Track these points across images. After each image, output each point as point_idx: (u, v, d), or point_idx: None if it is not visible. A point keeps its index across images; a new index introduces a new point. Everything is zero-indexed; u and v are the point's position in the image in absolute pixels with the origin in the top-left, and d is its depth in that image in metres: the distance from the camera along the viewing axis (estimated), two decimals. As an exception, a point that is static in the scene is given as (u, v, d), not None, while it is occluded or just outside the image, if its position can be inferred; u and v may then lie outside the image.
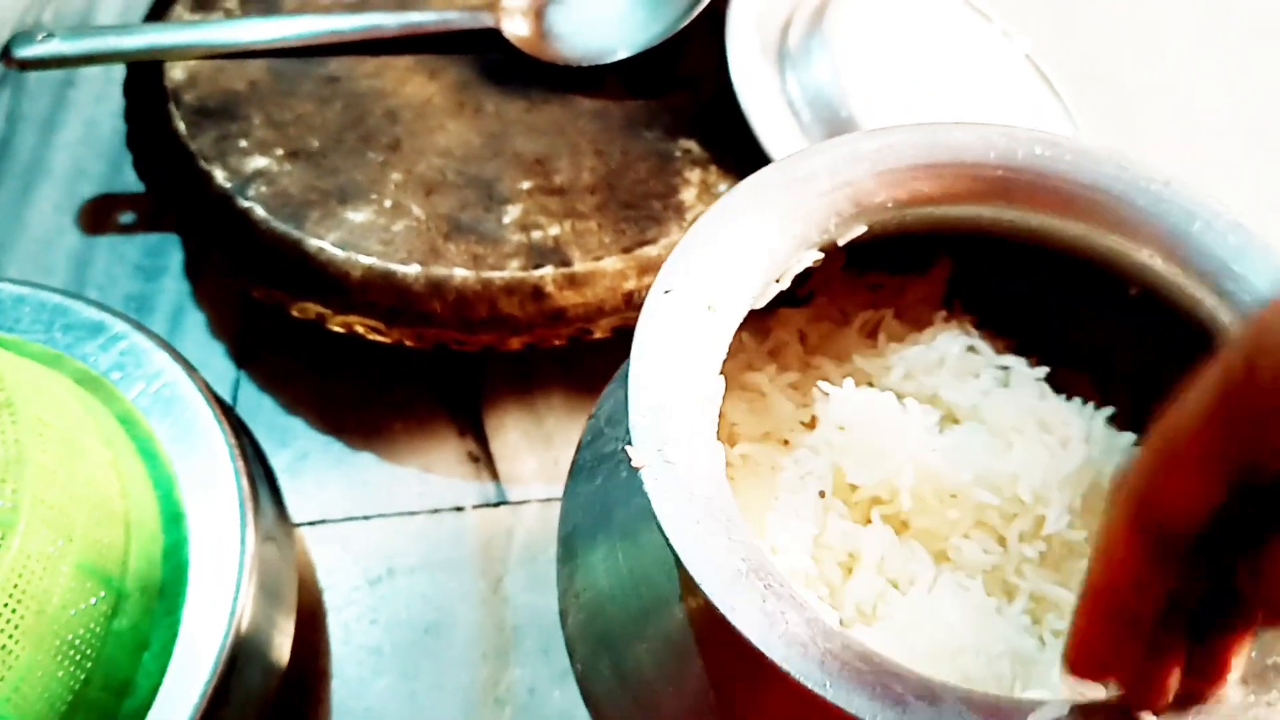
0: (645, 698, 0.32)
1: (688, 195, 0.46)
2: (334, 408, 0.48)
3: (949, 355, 0.36)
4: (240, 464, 0.39)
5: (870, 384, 0.36)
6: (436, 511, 0.45)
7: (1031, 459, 0.33)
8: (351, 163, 0.47)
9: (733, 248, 0.32)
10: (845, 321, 0.38)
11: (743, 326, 0.32)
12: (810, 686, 0.25)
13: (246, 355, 0.49)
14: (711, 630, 0.30)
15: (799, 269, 0.33)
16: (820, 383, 0.35)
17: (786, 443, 0.36)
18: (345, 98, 0.49)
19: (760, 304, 0.33)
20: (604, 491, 0.35)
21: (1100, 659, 0.24)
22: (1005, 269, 0.36)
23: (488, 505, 0.46)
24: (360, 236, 0.44)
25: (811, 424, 0.36)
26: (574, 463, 0.38)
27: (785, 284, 0.33)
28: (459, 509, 0.46)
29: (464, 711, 0.41)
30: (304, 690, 0.41)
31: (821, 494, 0.34)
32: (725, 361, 0.31)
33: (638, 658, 0.32)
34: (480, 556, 0.44)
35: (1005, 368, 0.36)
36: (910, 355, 0.36)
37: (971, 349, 0.36)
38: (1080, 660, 0.25)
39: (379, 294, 0.44)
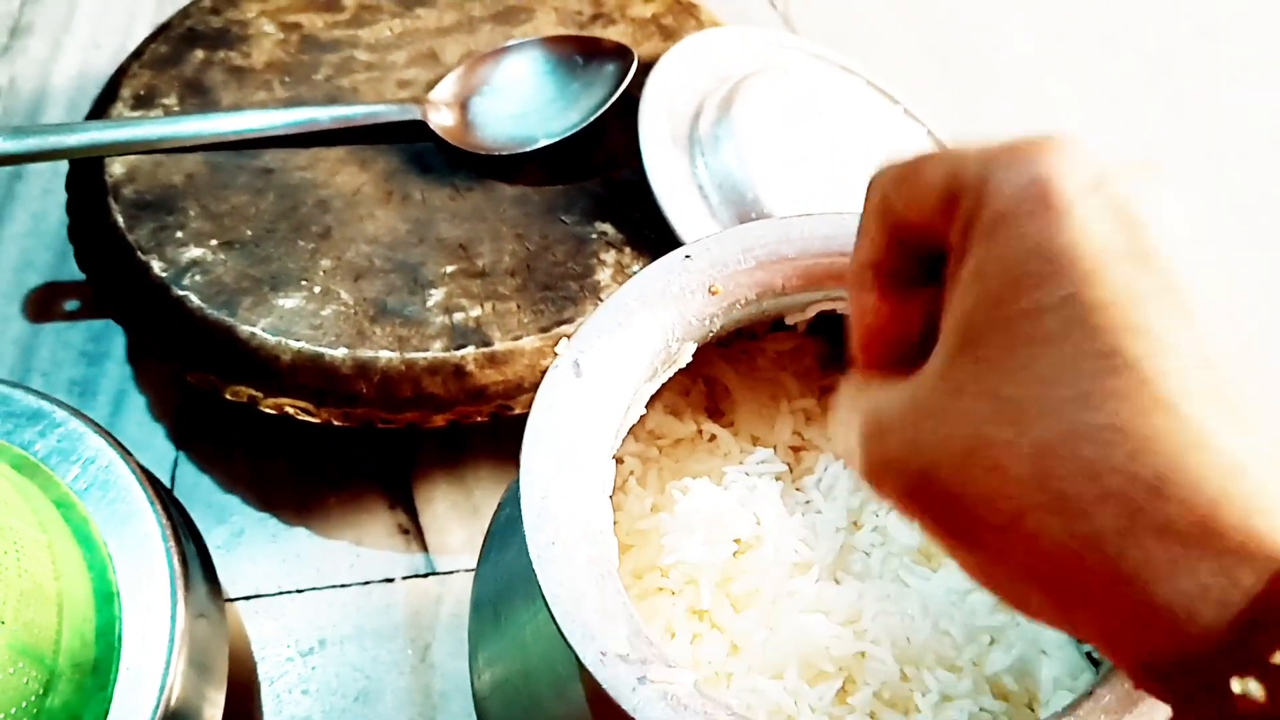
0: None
1: (603, 276, 0.49)
2: (269, 485, 0.50)
3: None
4: (172, 544, 0.41)
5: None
6: (367, 583, 0.47)
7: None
8: (283, 251, 0.49)
9: (626, 335, 0.35)
10: None
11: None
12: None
13: (185, 436, 0.51)
14: (602, 705, 0.33)
15: (684, 360, 0.36)
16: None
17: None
18: (279, 189, 0.51)
19: (654, 386, 0.36)
20: (515, 562, 0.37)
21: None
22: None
23: (417, 576, 0.48)
24: (290, 322, 0.46)
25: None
26: (488, 533, 0.40)
27: (672, 371, 0.36)
28: (389, 580, 0.47)
29: (391, 776, 0.42)
30: (236, 761, 0.42)
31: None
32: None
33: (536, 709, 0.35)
34: (409, 625, 0.46)
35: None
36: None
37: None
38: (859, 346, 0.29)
39: (308, 376, 0.46)
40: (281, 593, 0.47)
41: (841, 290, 0.37)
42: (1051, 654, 0.36)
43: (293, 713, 0.44)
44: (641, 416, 0.38)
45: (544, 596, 0.29)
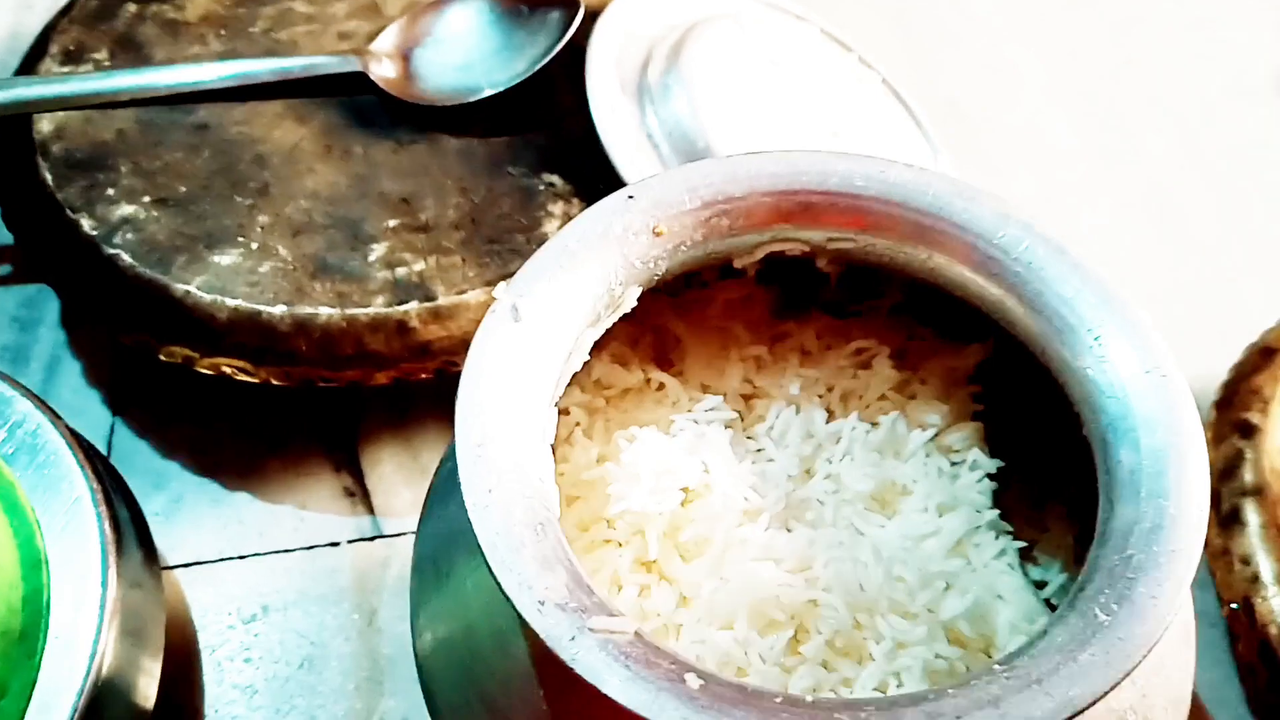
0: (486, 697, 0.33)
1: (550, 227, 0.48)
2: (209, 449, 0.48)
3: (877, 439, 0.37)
4: (104, 509, 0.39)
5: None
6: (312, 548, 0.46)
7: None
8: (219, 208, 0.47)
9: (568, 279, 0.34)
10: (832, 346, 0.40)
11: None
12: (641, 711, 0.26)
13: (122, 402, 0.49)
14: (546, 660, 0.31)
15: (629, 304, 0.35)
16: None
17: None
18: (214, 145, 0.50)
19: (597, 332, 0.35)
20: (456, 517, 0.36)
21: None
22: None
23: (363, 539, 0.46)
24: (227, 279, 0.45)
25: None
26: (430, 489, 0.39)
27: (616, 316, 0.35)
28: (334, 544, 0.46)
29: (337, 743, 0.41)
30: (175, 732, 0.41)
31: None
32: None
33: (486, 684, 0.33)
34: (355, 590, 0.45)
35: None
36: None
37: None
38: None
39: (245, 335, 0.44)
40: (223, 559, 0.45)
41: (790, 230, 0.36)
42: (1008, 599, 0.35)
43: (235, 681, 0.43)
44: (587, 365, 0.37)
45: (480, 546, 0.28)
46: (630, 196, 0.35)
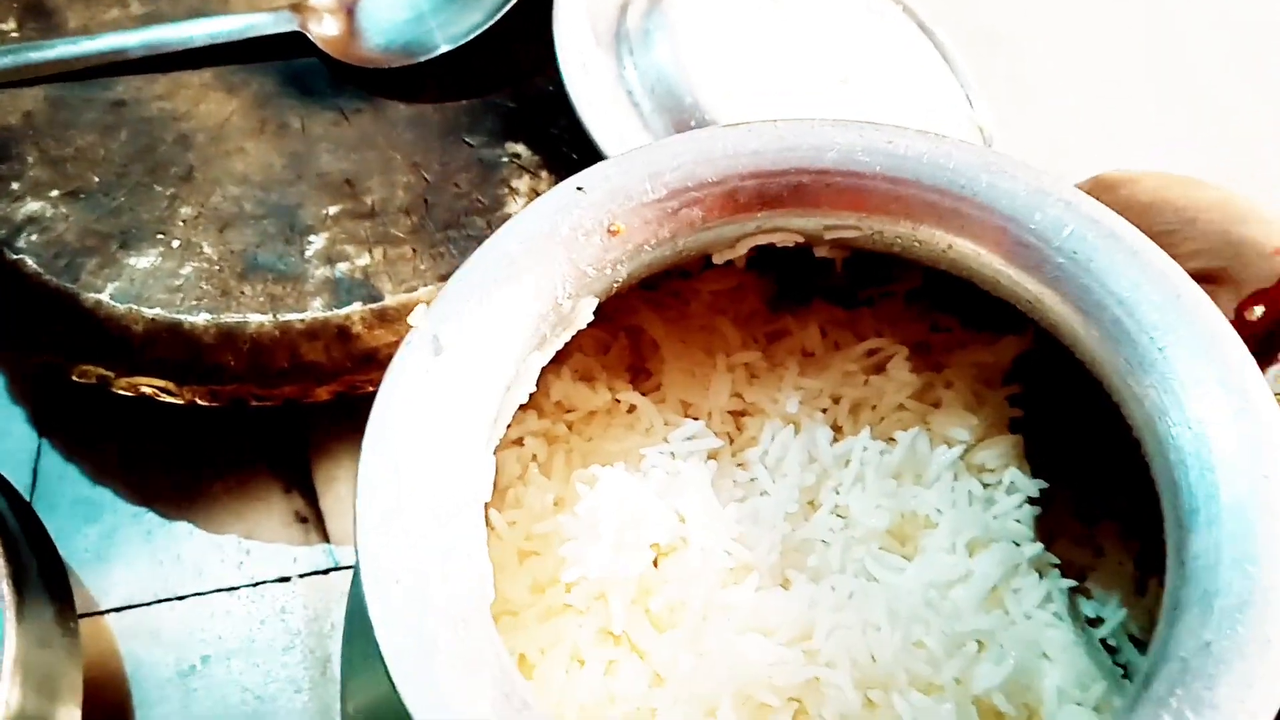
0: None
1: (515, 207, 0.41)
2: (145, 473, 0.43)
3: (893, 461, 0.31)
4: (2, 565, 0.34)
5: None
6: (258, 584, 0.41)
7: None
8: (137, 200, 0.41)
9: (503, 295, 0.27)
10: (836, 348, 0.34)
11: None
12: None
13: (49, 421, 0.44)
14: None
15: (582, 320, 0.28)
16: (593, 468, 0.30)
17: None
18: (132, 125, 0.44)
19: (545, 357, 0.28)
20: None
21: None
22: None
23: (317, 572, 0.41)
24: (144, 285, 0.39)
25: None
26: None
27: (568, 335, 0.28)
28: (284, 579, 0.41)
29: (286, 816, 0.36)
30: (102, 807, 0.36)
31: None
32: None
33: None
34: (308, 634, 0.40)
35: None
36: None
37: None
38: None
39: (166, 349, 0.39)
40: (159, 601, 0.40)
41: (779, 219, 0.29)
42: (1055, 658, 0.29)
43: (172, 745, 0.37)
44: (545, 385, 0.31)
45: (380, 652, 0.22)
46: (579, 188, 0.28)
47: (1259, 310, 0.30)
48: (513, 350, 0.27)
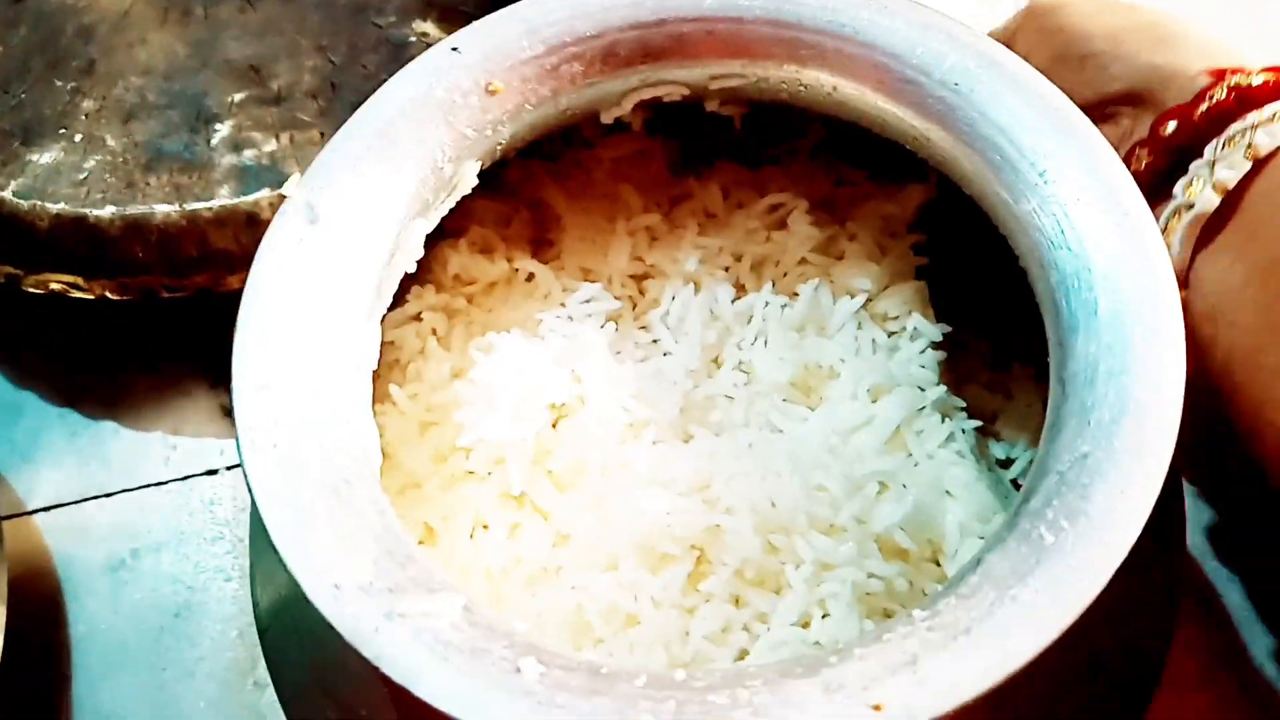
0: (325, 678, 0.28)
1: (423, 87, 0.41)
2: (68, 373, 0.43)
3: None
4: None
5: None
6: (187, 478, 0.41)
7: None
8: (38, 94, 0.41)
9: (380, 162, 0.27)
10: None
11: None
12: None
13: (-34, 326, 0.44)
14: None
15: (466, 185, 0.28)
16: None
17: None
18: (32, 17, 0.43)
19: (429, 223, 0.28)
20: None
21: None
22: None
23: (244, 463, 0.41)
24: (47, 181, 0.39)
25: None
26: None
27: (452, 201, 0.28)
28: (212, 472, 0.41)
29: (219, 697, 0.37)
30: (33, 696, 0.37)
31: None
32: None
33: (324, 667, 0.28)
34: (235, 523, 0.40)
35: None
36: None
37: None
38: None
39: (72, 244, 0.38)
40: (86, 499, 0.40)
41: (662, 71, 0.29)
42: (958, 495, 0.29)
43: (104, 637, 0.38)
44: (442, 259, 0.31)
45: (259, 518, 0.22)
46: (454, 49, 0.28)
47: (1171, 125, 0.30)
48: (393, 217, 0.27)
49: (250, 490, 0.23)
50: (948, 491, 0.29)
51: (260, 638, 0.30)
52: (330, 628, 0.25)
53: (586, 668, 0.21)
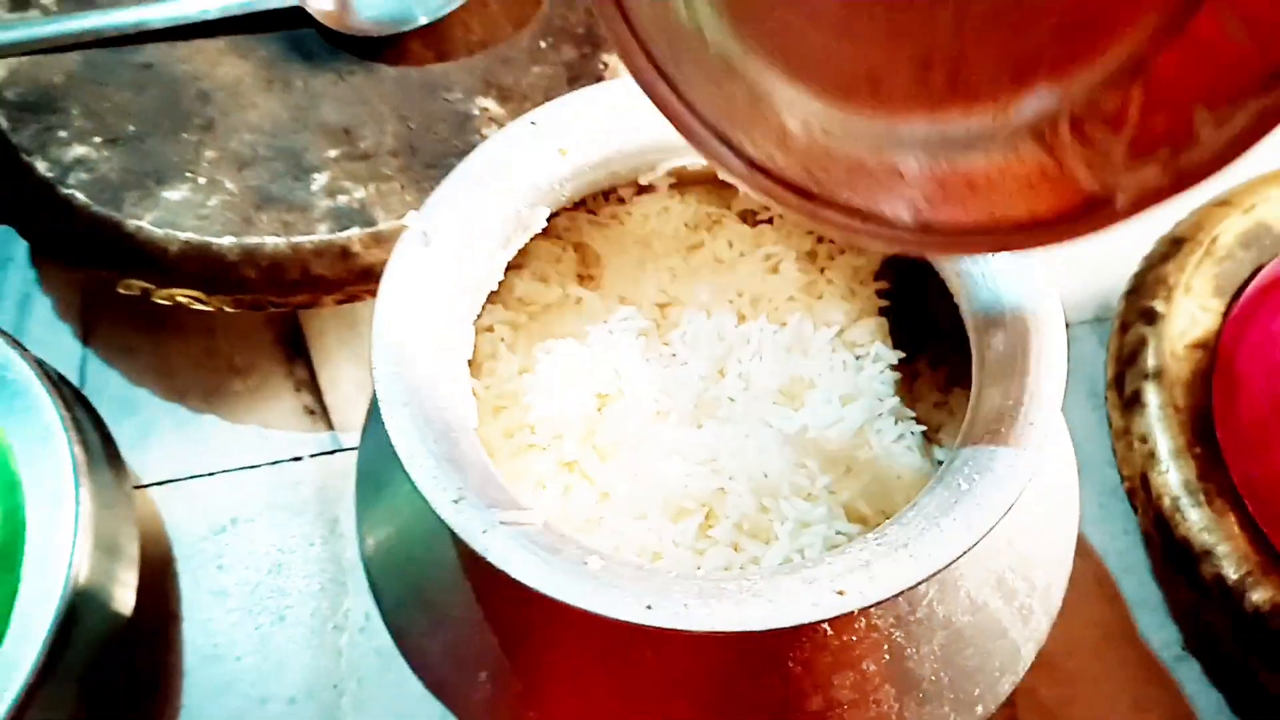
0: (434, 614, 0.36)
1: (485, 151, 0.50)
2: (176, 376, 0.51)
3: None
4: (73, 434, 0.42)
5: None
6: (276, 463, 0.49)
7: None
8: (167, 145, 0.49)
9: (476, 204, 0.36)
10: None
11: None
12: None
13: (91, 334, 0.52)
14: (470, 556, 0.34)
15: (537, 225, 0.37)
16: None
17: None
18: (160, 83, 0.52)
19: (509, 253, 0.37)
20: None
21: None
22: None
23: (324, 453, 0.49)
24: (177, 214, 0.47)
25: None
26: (370, 407, 0.41)
27: (527, 236, 0.37)
28: (297, 459, 0.49)
29: (305, 639, 0.45)
30: (155, 633, 0.45)
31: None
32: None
33: (422, 581, 0.36)
34: (317, 500, 0.48)
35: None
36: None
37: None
38: None
39: (197, 266, 0.47)
40: (192, 476, 0.49)
41: (690, 148, 0.38)
42: (906, 477, 0.38)
43: (209, 588, 0.46)
44: (509, 284, 0.40)
45: (397, 454, 0.31)
46: (533, 122, 0.37)
47: None
48: (484, 247, 0.36)
49: (390, 436, 0.31)
50: (898, 475, 0.38)
51: (366, 569, 0.38)
52: (432, 547, 0.33)
53: (634, 564, 0.30)
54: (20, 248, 0.55)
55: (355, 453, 0.48)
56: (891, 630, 0.32)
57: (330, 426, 0.50)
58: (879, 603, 0.28)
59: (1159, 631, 0.46)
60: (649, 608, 0.28)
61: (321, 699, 0.44)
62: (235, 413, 0.50)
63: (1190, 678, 0.45)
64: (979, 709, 0.34)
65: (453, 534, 0.34)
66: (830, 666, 0.32)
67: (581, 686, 0.33)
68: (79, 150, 0.49)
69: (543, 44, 0.54)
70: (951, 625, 0.33)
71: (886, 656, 0.32)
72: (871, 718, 0.32)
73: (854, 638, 0.32)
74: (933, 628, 0.33)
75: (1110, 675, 0.45)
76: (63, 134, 0.49)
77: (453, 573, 0.35)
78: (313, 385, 0.51)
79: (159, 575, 0.46)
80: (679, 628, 0.28)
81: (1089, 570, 0.46)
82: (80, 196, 0.48)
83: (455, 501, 0.30)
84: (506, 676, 0.34)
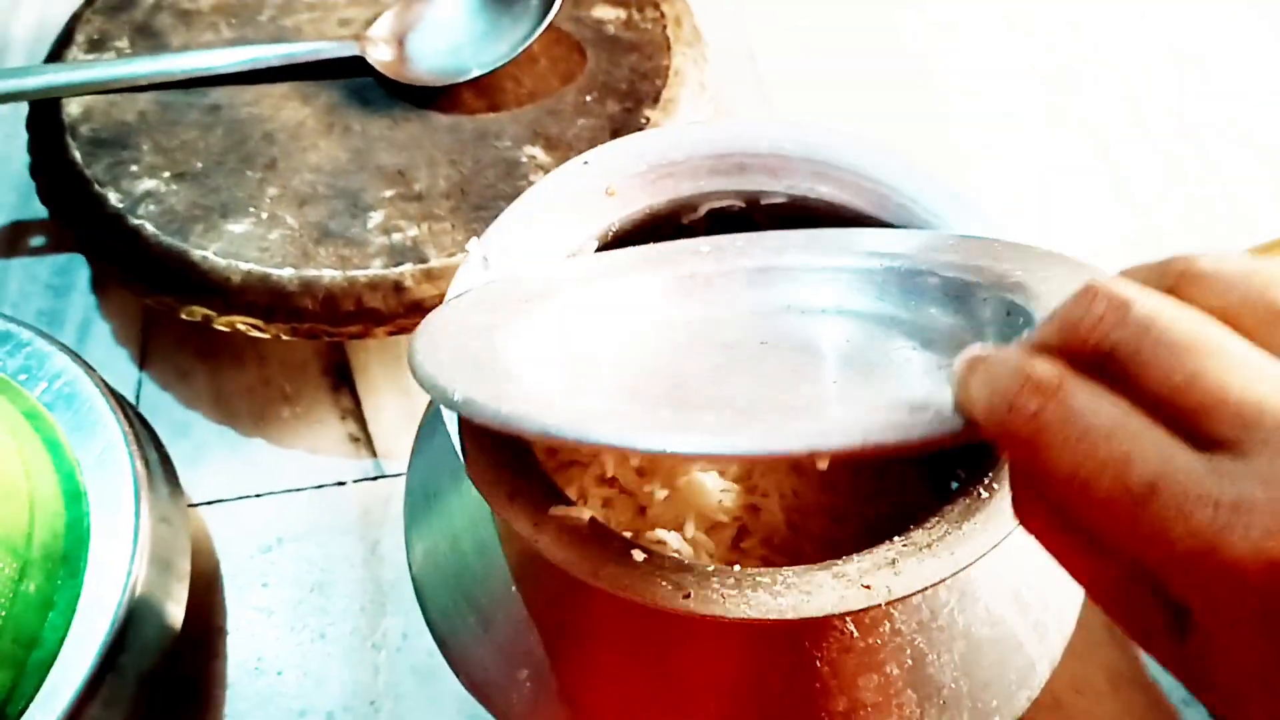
0: (480, 618, 0.38)
1: (532, 195, 0.52)
2: (227, 401, 0.53)
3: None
4: (135, 449, 0.44)
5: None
6: (321, 487, 0.51)
7: None
8: (232, 181, 0.52)
9: (531, 233, 0.38)
10: None
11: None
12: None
13: (148, 359, 0.55)
14: (521, 561, 0.36)
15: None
16: None
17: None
18: (226, 124, 0.55)
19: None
20: (441, 447, 0.41)
21: None
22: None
23: (367, 479, 0.51)
24: (240, 246, 0.50)
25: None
26: (419, 427, 0.43)
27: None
28: (341, 483, 0.51)
29: (345, 656, 0.46)
30: (202, 645, 0.46)
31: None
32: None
33: (471, 587, 0.38)
34: (360, 523, 0.50)
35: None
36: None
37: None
38: None
39: (257, 295, 0.49)
40: (241, 497, 0.50)
41: (728, 186, 0.40)
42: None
43: (254, 604, 0.48)
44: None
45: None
46: (585, 162, 0.40)
47: None
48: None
49: (459, 439, 0.33)
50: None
51: (414, 579, 0.40)
52: (483, 554, 0.35)
53: (674, 557, 0.31)
54: (83, 275, 0.57)
55: (396, 479, 0.51)
56: (914, 636, 0.34)
57: (373, 454, 0.52)
58: (904, 597, 0.30)
59: (1168, 674, 0.47)
60: (687, 596, 0.29)
61: (359, 714, 0.45)
62: (283, 438, 0.52)
63: (1202, 721, 0.46)
64: None
65: (502, 541, 0.36)
66: (855, 668, 0.33)
67: (618, 683, 0.34)
68: (149, 184, 0.52)
69: (588, 99, 0.56)
70: (971, 635, 0.35)
71: (909, 661, 0.34)
72: (895, 720, 0.33)
73: (878, 640, 0.33)
74: (953, 636, 0.34)
75: (1118, 717, 0.46)
76: (134, 168, 0.52)
77: (501, 579, 0.36)
78: (357, 414, 0.53)
79: (207, 590, 0.48)
80: (715, 614, 0.29)
81: (1098, 612, 0.47)
82: (149, 227, 0.50)
83: (510, 498, 0.32)
84: (546, 675, 0.35)
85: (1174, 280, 0.22)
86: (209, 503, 0.50)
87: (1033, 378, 0.22)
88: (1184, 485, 0.20)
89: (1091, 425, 0.21)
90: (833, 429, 0.25)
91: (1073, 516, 0.22)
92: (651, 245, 0.38)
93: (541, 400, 0.29)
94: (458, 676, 0.38)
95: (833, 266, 0.36)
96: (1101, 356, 0.21)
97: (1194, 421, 0.20)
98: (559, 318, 0.35)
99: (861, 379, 0.32)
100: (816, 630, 0.32)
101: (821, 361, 0.33)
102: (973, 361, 0.24)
